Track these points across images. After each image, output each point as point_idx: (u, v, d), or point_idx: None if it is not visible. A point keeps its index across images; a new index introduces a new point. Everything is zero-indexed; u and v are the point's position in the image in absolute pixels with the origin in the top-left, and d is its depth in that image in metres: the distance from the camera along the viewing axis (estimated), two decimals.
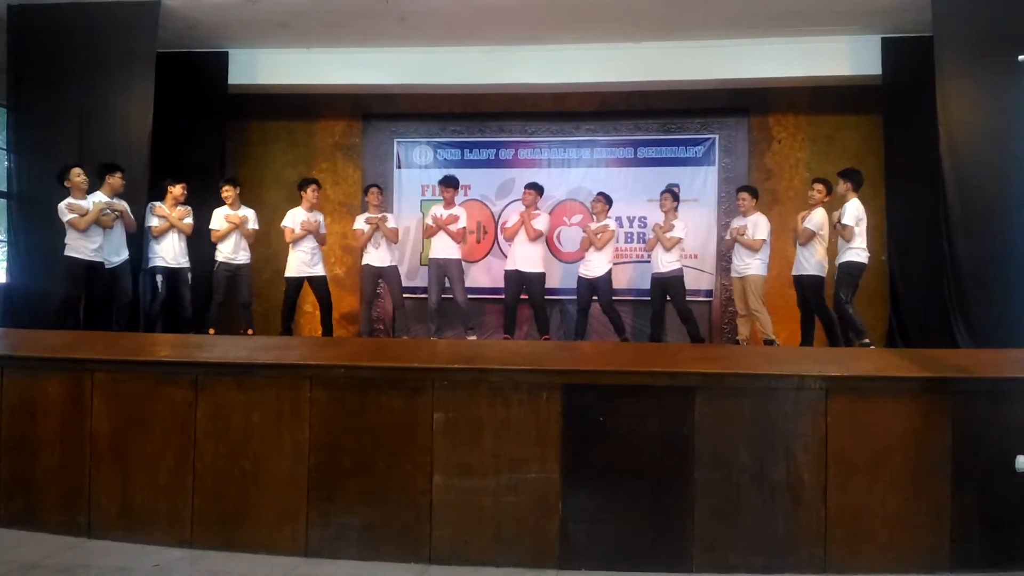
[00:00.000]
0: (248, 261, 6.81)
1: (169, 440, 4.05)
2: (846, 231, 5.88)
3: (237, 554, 3.90)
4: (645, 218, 7.86)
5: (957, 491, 3.63)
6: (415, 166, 8.31)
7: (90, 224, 5.88)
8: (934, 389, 3.72)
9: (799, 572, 3.63)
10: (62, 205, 5.85)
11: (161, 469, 4.04)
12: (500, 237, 8.02)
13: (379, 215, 6.87)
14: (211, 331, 6.39)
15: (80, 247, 5.87)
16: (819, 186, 6.21)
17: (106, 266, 6.05)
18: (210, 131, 7.51)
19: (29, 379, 4.26)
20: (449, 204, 6.97)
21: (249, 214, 6.82)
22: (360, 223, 6.93)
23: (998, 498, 3.59)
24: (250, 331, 6.66)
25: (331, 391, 3.95)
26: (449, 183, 7.00)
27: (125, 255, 6.24)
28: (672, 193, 6.90)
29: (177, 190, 6.48)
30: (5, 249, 7.30)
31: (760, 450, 3.71)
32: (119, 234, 6.20)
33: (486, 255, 8.16)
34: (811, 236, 6.08)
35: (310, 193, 6.85)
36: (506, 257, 7.98)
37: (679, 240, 6.64)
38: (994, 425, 3.63)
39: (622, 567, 3.68)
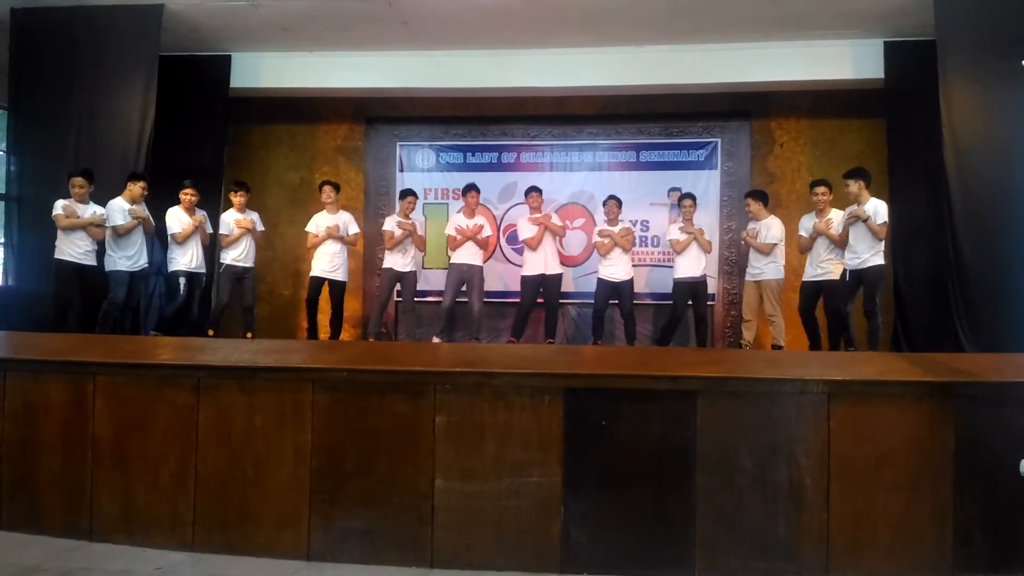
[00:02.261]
0: (253, 264, 6.82)
1: (171, 443, 4.05)
2: (883, 230, 5.70)
3: (239, 557, 3.89)
4: (648, 221, 7.87)
5: (960, 495, 3.62)
6: (418, 169, 8.31)
7: (75, 228, 5.91)
8: (937, 393, 3.71)
9: None
10: (57, 203, 5.91)
11: (163, 472, 4.04)
12: (503, 240, 8.02)
13: (412, 222, 6.85)
14: (210, 333, 6.39)
15: (68, 250, 5.91)
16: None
17: (127, 270, 6.07)
18: (212, 134, 7.53)
19: (31, 382, 4.26)
20: (471, 210, 6.92)
21: (254, 217, 6.84)
22: (391, 225, 6.86)
23: (1000, 502, 3.58)
24: (248, 334, 6.66)
25: (333, 394, 3.95)
26: (475, 189, 6.97)
27: (144, 262, 6.27)
28: (693, 197, 6.84)
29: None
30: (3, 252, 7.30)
31: (762, 454, 3.70)
32: (139, 240, 6.21)
33: (488, 259, 8.12)
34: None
35: (323, 195, 6.87)
36: (508, 260, 7.99)
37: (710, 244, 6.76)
38: (997, 429, 3.61)
39: (624, 571, 3.67)
